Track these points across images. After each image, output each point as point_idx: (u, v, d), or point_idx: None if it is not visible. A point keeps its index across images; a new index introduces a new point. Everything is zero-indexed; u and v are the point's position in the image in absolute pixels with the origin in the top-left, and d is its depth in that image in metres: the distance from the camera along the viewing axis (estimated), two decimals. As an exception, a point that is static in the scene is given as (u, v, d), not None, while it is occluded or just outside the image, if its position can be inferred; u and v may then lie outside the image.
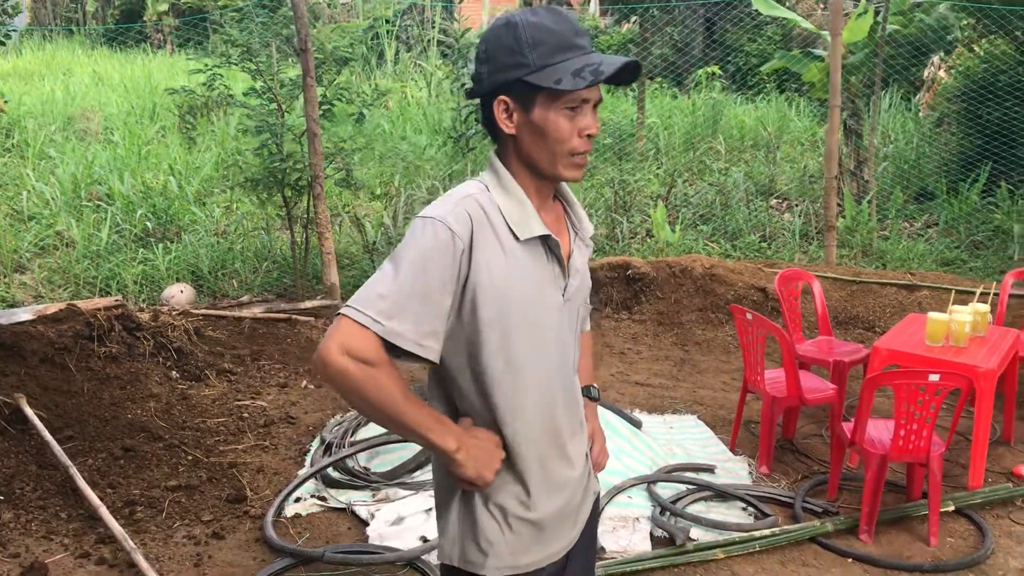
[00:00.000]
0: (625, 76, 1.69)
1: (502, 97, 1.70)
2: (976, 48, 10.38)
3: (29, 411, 4.35)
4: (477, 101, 1.78)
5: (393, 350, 1.62)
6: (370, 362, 1.58)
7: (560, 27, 1.67)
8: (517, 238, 1.70)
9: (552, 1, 11.31)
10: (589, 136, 1.71)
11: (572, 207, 1.90)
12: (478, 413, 1.77)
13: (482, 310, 1.67)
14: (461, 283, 1.65)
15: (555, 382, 1.81)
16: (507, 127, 1.71)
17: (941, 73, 11.34)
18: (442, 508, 1.85)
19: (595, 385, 2.16)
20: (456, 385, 1.77)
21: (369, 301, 1.60)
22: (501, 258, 1.68)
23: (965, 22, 10.32)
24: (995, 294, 5.00)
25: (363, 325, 1.58)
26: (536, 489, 1.80)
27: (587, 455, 1.97)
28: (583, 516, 1.96)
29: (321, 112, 6.56)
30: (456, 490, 1.80)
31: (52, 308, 5.24)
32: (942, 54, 11.35)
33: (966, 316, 4.31)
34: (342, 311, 1.62)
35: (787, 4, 10.13)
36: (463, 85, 10.38)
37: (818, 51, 9.66)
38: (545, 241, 1.75)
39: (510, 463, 1.77)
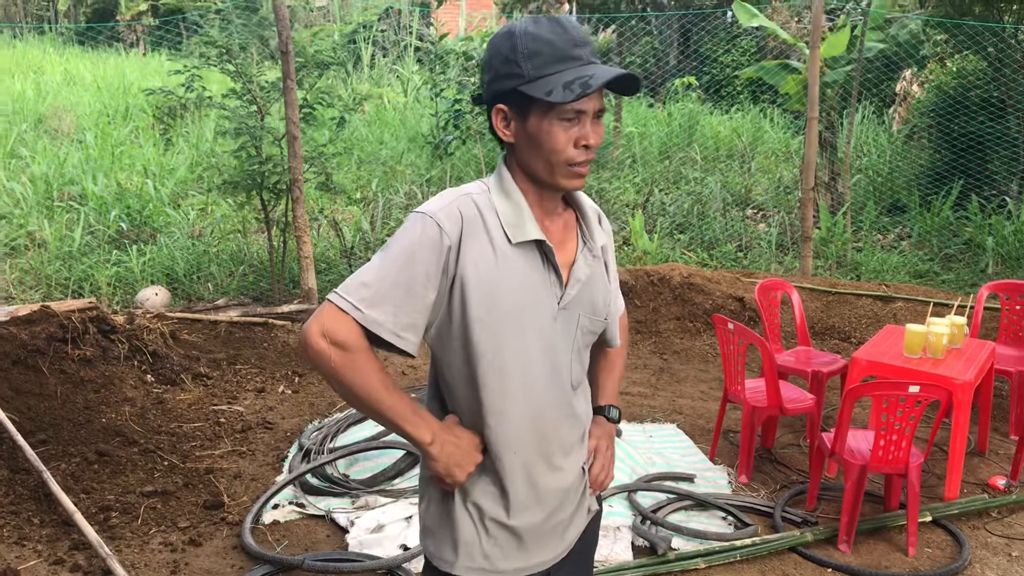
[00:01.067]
0: (623, 86, 1.69)
1: (500, 106, 1.71)
2: (948, 63, 10.54)
3: (1, 414, 4.26)
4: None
5: (374, 339, 1.65)
6: (347, 347, 1.62)
7: (558, 38, 1.66)
8: (510, 240, 1.70)
9: (539, 9, 11.31)
10: (587, 146, 1.70)
11: (585, 218, 1.87)
12: (464, 413, 1.78)
13: (470, 308, 1.67)
14: (449, 279, 1.67)
15: (543, 391, 1.78)
16: (504, 135, 1.73)
17: (914, 88, 11.50)
18: (423, 499, 1.87)
19: (616, 406, 2.11)
20: (446, 382, 1.79)
21: (353, 288, 1.64)
22: (491, 258, 1.68)
23: (938, 37, 10.48)
24: (970, 307, 5.06)
25: (343, 311, 1.62)
26: (517, 496, 1.79)
27: (584, 470, 1.93)
28: (573, 533, 1.93)
29: (302, 116, 6.51)
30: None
31: (24, 310, 5.16)
32: (915, 68, 11.51)
33: (944, 328, 4.35)
34: (328, 296, 1.66)
35: (764, 15, 10.20)
36: (441, 91, 10.38)
37: (794, 63, 9.76)
38: (540, 247, 1.74)
39: (492, 466, 1.77)
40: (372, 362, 1.66)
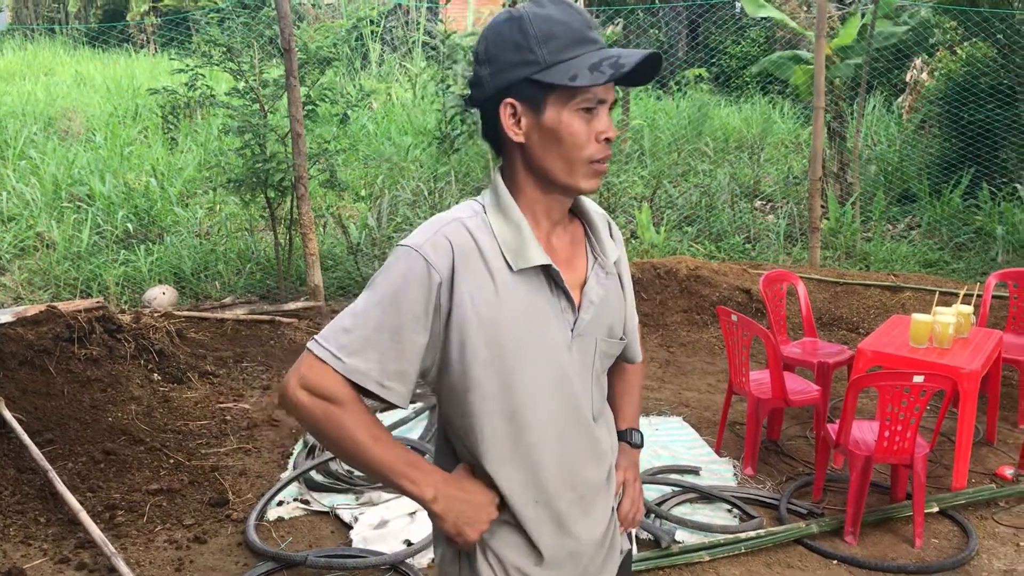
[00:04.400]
0: (645, 72, 1.51)
1: (509, 100, 1.51)
2: (958, 51, 10.46)
3: (8, 414, 4.29)
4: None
5: (359, 389, 1.49)
6: (330, 399, 1.46)
7: (571, 19, 1.49)
8: (511, 268, 1.52)
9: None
10: (607, 140, 1.53)
11: (594, 229, 1.68)
12: (476, 462, 1.59)
13: (470, 349, 1.50)
14: (442, 319, 1.49)
15: (563, 430, 1.59)
16: (515, 133, 1.52)
17: (923, 76, 11.41)
18: (437, 546, 1.70)
19: (638, 429, 1.93)
20: (453, 429, 1.61)
21: (333, 335, 1.48)
22: (490, 290, 1.50)
23: (947, 25, 10.39)
24: (978, 295, 5.02)
25: (323, 360, 1.46)
26: (548, 551, 1.62)
27: (613, 510, 1.77)
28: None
29: (305, 113, 6.52)
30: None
31: (32, 310, 5.18)
32: (924, 56, 11.42)
33: (950, 318, 4.32)
34: (308, 344, 1.50)
35: (774, 5, 10.15)
36: (448, 87, 10.36)
37: (803, 52, 9.70)
38: (547, 271, 1.56)
39: (513, 520, 1.60)
40: (358, 413, 1.48)
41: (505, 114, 1.52)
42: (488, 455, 1.55)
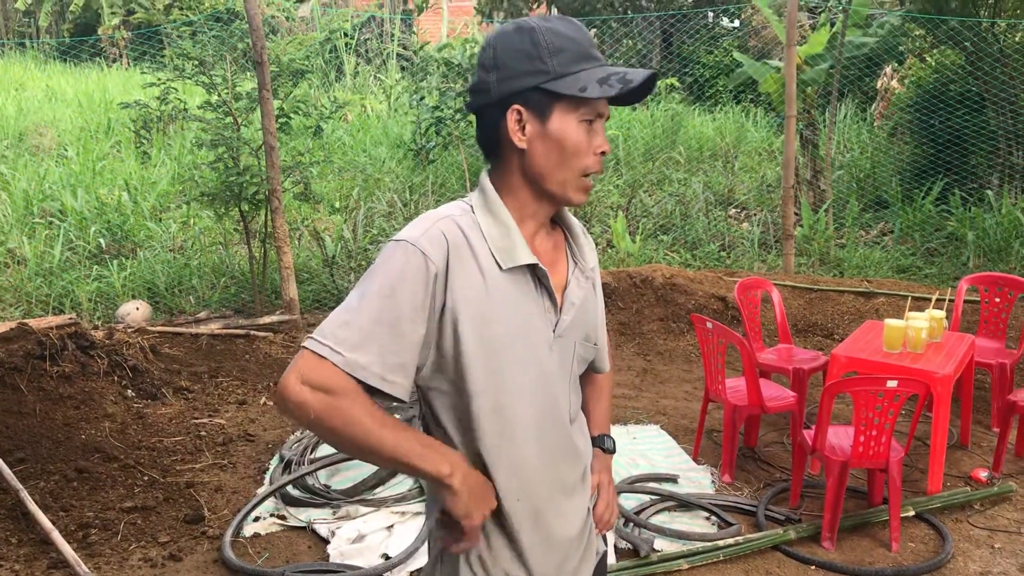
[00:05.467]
0: (643, 91, 1.58)
1: (516, 106, 1.55)
2: (927, 59, 10.59)
3: (-22, 434, 4.23)
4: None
5: (363, 385, 1.48)
6: (331, 391, 1.43)
7: (578, 36, 1.56)
8: (500, 266, 1.56)
9: (516, 11, 11.31)
10: (603, 154, 1.61)
11: (574, 235, 1.75)
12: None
13: (463, 343, 1.52)
14: (437, 312, 1.51)
15: (543, 429, 1.63)
16: (519, 139, 1.56)
17: (894, 83, 11.54)
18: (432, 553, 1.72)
19: (610, 435, 1.98)
20: (439, 426, 1.62)
21: (331, 330, 1.46)
22: (480, 286, 1.53)
23: (916, 32, 10.53)
24: (950, 300, 5.07)
25: (323, 356, 1.44)
26: (530, 549, 1.65)
27: (588, 511, 1.81)
28: None
29: (278, 125, 6.49)
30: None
31: (2, 327, 5.12)
32: (895, 64, 11.55)
33: (923, 323, 4.35)
34: (304, 343, 1.48)
35: (746, 13, 10.25)
36: (422, 98, 10.37)
37: (773, 61, 9.78)
38: (533, 270, 1.60)
39: (499, 519, 1.63)
40: (363, 402, 1.46)
41: (512, 120, 1.56)
42: (474, 448, 1.58)
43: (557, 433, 1.66)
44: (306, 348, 1.47)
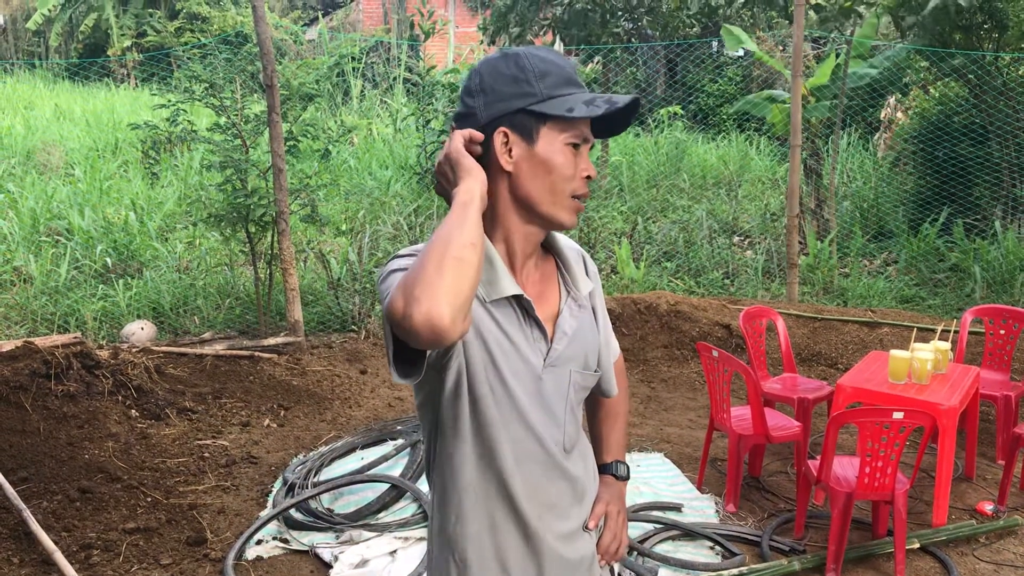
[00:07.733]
0: (625, 119, 1.64)
1: (503, 128, 1.56)
2: (931, 90, 10.65)
3: (-18, 452, 4.23)
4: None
5: (405, 370, 1.50)
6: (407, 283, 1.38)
7: (561, 63, 1.60)
8: (485, 299, 1.57)
9: (523, 35, 11.40)
10: (588, 178, 1.63)
11: (566, 264, 1.74)
12: (460, 490, 1.65)
13: (449, 377, 1.57)
14: None
15: (532, 460, 1.65)
16: (505, 162, 1.57)
17: (898, 114, 11.60)
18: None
19: (624, 462, 1.94)
20: (442, 433, 1.66)
21: (395, 282, 1.45)
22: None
23: (920, 64, 10.59)
24: (955, 332, 5.07)
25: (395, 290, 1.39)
26: (516, 569, 1.67)
27: (591, 535, 1.79)
28: None
29: (287, 148, 6.53)
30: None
31: (8, 345, 5.13)
32: (898, 95, 11.61)
33: (928, 354, 4.35)
34: (390, 294, 1.42)
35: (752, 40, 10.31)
36: (428, 122, 10.43)
37: (779, 92, 9.84)
38: (518, 301, 1.62)
39: (492, 535, 1.66)
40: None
41: (498, 142, 1.57)
42: (465, 483, 1.63)
43: (546, 463, 1.67)
44: (388, 296, 1.42)
